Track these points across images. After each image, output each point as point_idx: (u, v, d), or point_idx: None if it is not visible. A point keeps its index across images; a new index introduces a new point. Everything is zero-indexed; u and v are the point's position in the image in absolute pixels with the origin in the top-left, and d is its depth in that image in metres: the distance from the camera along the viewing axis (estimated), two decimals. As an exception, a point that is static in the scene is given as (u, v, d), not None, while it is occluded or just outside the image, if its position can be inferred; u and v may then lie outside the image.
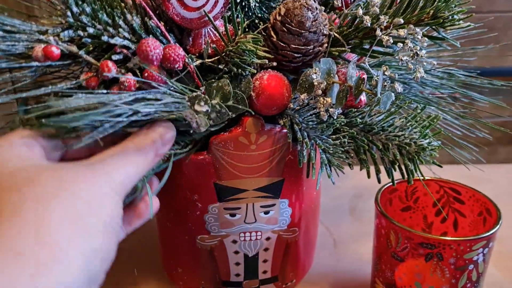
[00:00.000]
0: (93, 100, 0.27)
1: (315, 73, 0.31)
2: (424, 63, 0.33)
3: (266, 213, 0.37)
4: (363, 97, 0.34)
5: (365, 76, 0.34)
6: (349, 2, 0.38)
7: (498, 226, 0.33)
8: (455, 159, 0.45)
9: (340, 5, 0.34)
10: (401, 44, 0.32)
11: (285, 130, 0.34)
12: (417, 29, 0.31)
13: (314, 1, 0.33)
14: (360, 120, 0.35)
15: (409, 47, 0.31)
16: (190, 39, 0.34)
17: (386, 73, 0.31)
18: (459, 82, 0.46)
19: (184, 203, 0.37)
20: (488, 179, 0.61)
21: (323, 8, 0.33)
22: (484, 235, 0.32)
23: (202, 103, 0.30)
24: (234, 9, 0.34)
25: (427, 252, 0.33)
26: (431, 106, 0.44)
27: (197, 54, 0.34)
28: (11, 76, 0.31)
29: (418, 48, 0.31)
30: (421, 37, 0.31)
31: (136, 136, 0.28)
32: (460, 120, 0.46)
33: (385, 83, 0.33)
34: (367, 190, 0.63)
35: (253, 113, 0.33)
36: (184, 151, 0.33)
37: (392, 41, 0.31)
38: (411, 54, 0.31)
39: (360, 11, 0.32)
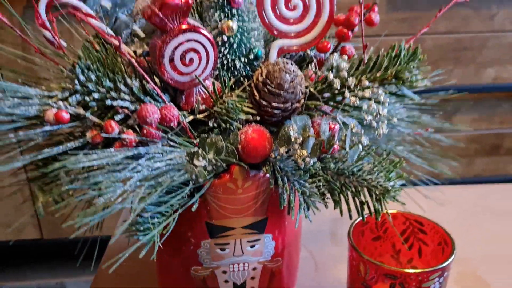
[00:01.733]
0: (113, 157, 0.32)
1: (292, 129, 0.36)
2: (389, 118, 0.38)
3: (252, 246, 0.42)
4: (335, 145, 0.38)
5: (337, 127, 0.38)
6: (323, 59, 0.43)
7: (451, 259, 0.38)
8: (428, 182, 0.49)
9: (313, 69, 0.39)
10: (366, 105, 0.36)
11: (267, 175, 0.39)
12: (380, 91, 0.36)
13: (292, 64, 0.38)
14: (334, 166, 0.40)
15: (373, 107, 0.36)
16: (183, 97, 0.38)
17: (353, 130, 0.36)
18: (424, 124, 0.50)
19: (180, 239, 0.41)
20: (451, 200, 0.66)
21: (300, 73, 0.38)
22: (439, 267, 0.37)
23: (200, 159, 0.35)
24: (221, 70, 0.38)
25: (391, 282, 0.37)
26: (400, 146, 0.49)
27: (189, 110, 0.38)
28: (24, 136, 0.35)
29: (381, 108, 0.36)
30: (383, 98, 0.36)
31: None
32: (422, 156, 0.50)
33: (353, 138, 0.37)
34: (346, 215, 0.68)
35: (239, 162, 0.38)
36: (187, 201, 0.37)
37: (358, 102, 0.36)
38: (374, 114, 0.36)
39: (331, 75, 0.37)
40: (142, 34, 0.42)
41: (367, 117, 0.36)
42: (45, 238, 1.28)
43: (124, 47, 0.40)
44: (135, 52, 0.42)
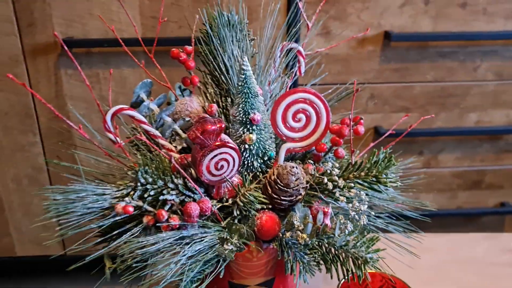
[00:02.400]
0: (165, 241, 0.44)
1: (296, 219, 0.49)
2: (369, 212, 0.50)
3: (263, 299, 0.54)
4: (329, 226, 0.51)
5: (329, 211, 0.51)
6: (321, 156, 0.55)
7: None
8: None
9: (311, 171, 0.51)
10: (350, 204, 0.49)
11: (276, 247, 0.52)
12: (362, 192, 0.49)
13: (297, 167, 0.50)
14: (327, 241, 0.52)
15: (356, 205, 0.48)
16: (214, 190, 0.51)
17: (341, 221, 0.48)
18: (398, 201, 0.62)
19: (207, 292, 0.54)
20: (429, 248, 0.78)
21: (303, 173, 0.50)
22: None
23: (229, 244, 0.48)
24: (242, 169, 0.51)
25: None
26: (379, 219, 0.61)
27: (218, 199, 0.51)
28: (99, 223, 0.48)
29: (361, 206, 0.48)
30: (364, 197, 0.49)
31: None
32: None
33: (341, 226, 0.50)
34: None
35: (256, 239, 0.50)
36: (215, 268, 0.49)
37: (345, 200, 0.49)
38: (357, 209, 0.48)
39: (325, 179, 0.49)
40: (182, 134, 0.55)
41: (351, 212, 0.49)
42: (68, 254, 1.41)
43: (166, 144, 0.53)
44: (176, 147, 0.55)
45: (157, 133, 0.54)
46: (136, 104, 0.56)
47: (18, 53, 1.11)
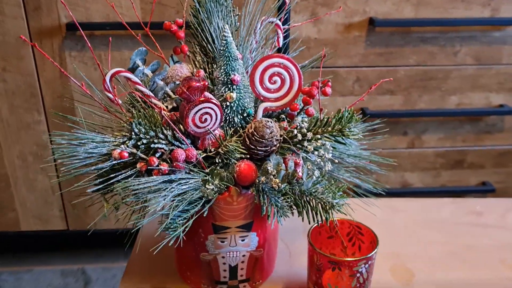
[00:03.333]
0: (155, 182, 0.52)
1: (270, 166, 0.56)
2: (333, 160, 0.58)
3: (243, 240, 0.62)
4: (300, 174, 0.58)
5: (301, 162, 0.58)
6: (294, 115, 0.62)
7: (373, 252, 0.58)
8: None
9: (286, 125, 0.58)
10: (317, 152, 0.56)
11: (253, 193, 0.59)
12: (327, 142, 0.56)
13: (271, 121, 0.57)
14: (298, 188, 0.59)
15: (321, 153, 0.55)
16: (199, 141, 0.58)
17: (309, 167, 0.56)
18: (365, 158, 0.68)
19: (194, 234, 0.61)
20: (402, 209, 0.85)
21: (277, 127, 0.57)
22: (363, 257, 0.57)
23: (210, 184, 0.55)
24: (225, 124, 0.58)
25: (332, 266, 0.57)
26: (347, 173, 0.68)
27: (203, 150, 0.58)
28: (98, 167, 0.55)
29: (326, 154, 0.55)
30: (328, 146, 0.56)
31: None
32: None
33: (309, 172, 0.57)
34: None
35: (235, 185, 0.58)
36: (201, 209, 0.57)
37: (313, 149, 0.56)
38: (322, 157, 0.56)
39: (295, 131, 0.56)
40: (172, 95, 0.62)
41: (317, 159, 0.56)
42: (71, 229, 1.48)
43: (158, 104, 0.60)
44: (167, 106, 0.62)
45: (150, 93, 0.61)
46: (132, 70, 0.63)
47: (25, 35, 1.18)
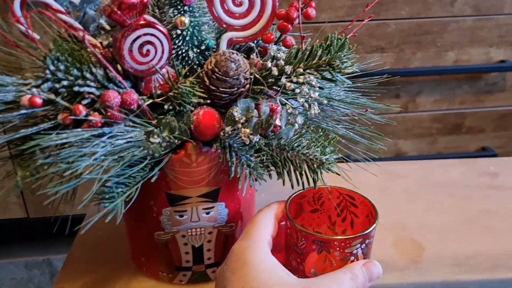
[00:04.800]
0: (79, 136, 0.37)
1: (236, 111, 0.42)
2: (321, 100, 0.44)
3: (207, 213, 0.48)
4: (277, 123, 0.44)
5: (279, 108, 0.44)
6: (268, 48, 0.48)
7: (372, 228, 0.44)
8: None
9: (255, 58, 0.44)
10: (299, 90, 0.42)
11: (218, 151, 0.45)
12: (312, 77, 0.42)
13: (237, 54, 0.43)
14: (276, 142, 0.46)
15: (305, 91, 0.42)
16: (143, 83, 0.44)
17: (288, 111, 0.42)
18: (362, 105, 0.55)
19: (144, 207, 0.47)
20: (402, 174, 0.72)
21: (245, 61, 0.43)
22: (359, 234, 0.43)
23: (156, 136, 0.41)
24: (176, 61, 0.44)
25: (318, 247, 0.43)
26: (340, 125, 0.54)
27: (148, 95, 0.44)
28: (3, 118, 0.40)
29: (311, 92, 0.42)
30: (314, 83, 0.42)
31: (353, 269, 0.42)
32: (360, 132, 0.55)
33: (289, 118, 0.43)
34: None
35: (193, 140, 0.44)
36: (148, 174, 0.43)
37: (293, 87, 0.42)
38: (307, 97, 0.42)
39: (269, 64, 0.42)
40: (107, 27, 0.47)
41: (299, 99, 0.42)
42: (31, 217, 1.33)
43: (89, 39, 0.46)
44: (101, 43, 0.47)
45: (78, 25, 0.46)
46: (55, -2, 0.48)
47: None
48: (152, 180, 0.42)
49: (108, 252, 0.58)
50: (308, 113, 0.43)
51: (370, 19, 0.63)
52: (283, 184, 0.46)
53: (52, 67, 0.40)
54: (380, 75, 0.60)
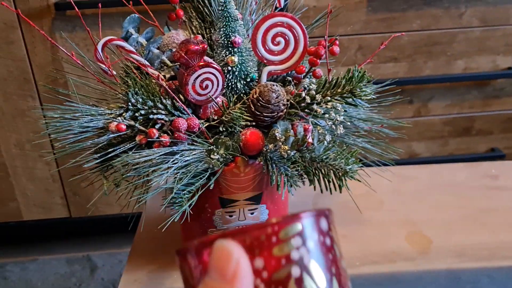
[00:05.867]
0: (156, 154, 0.48)
1: (277, 132, 0.52)
2: (345, 122, 0.54)
3: (252, 213, 0.59)
4: (310, 140, 0.55)
5: (310, 128, 0.55)
6: (301, 78, 0.59)
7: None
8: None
9: (292, 89, 0.55)
10: (327, 114, 0.52)
11: (261, 163, 0.56)
12: (337, 103, 0.52)
13: (277, 85, 0.54)
14: (308, 155, 0.56)
15: (332, 115, 0.52)
16: (201, 110, 0.55)
17: (320, 131, 0.52)
18: (377, 121, 0.65)
19: (200, 209, 0.58)
20: (413, 176, 0.82)
21: (283, 91, 0.54)
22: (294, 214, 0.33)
23: (215, 154, 0.51)
24: (227, 91, 0.55)
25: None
26: (359, 138, 0.64)
27: (205, 119, 0.55)
28: (94, 142, 0.51)
29: (337, 116, 0.52)
30: (340, 108, 0.52)
31: None
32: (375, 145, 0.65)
33: (320, 136, 0.54)
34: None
35: (242, 155, 0.54)
36: (206, 182, 0.53)
37: (322, 112, 0.52)
38: (334, 120, 0.52)
39: (303, 94, 0.53)
40: (169, 63, 0.58)
41: (328, 122, 0.52)
42: (73, 216, 1.46)
43: (154, 73, 0.57)
44: (164, 76, 0.58)
45: (146, 62, 0.57)
46: (125, 39, 0.59)
47: (13, 18, 1.14)
48: (210, 188, 0.53)
49: (165, 247, 0.69)
50: (335, 132, 0.53)
51: (384, 31, 0.72)
52: (314, 189, 0.56)
53: (133, 100, 0.51)
54: (394, 83, 0.69)
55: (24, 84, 1.22)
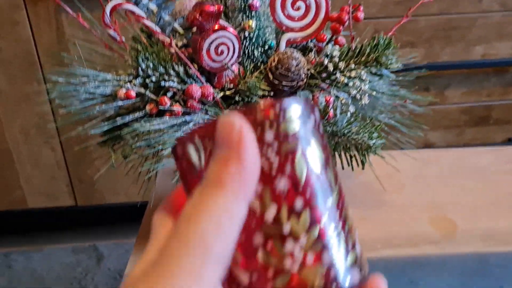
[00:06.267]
0: (168, 123, 0.45)
1: (297, 102, 0.49)
2: (370, 92, 0.50)
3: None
4: (330, 113, 0.51)
5: (332, 99, 0.51)
6: (321, 47, 0.55)
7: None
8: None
9: (313, 58, 0.51)
10: (352, 83, 0.49)
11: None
12: (362, 72, 0.49)
13: (297, 53, 0.50)
14: (329, 129, 0.52)
15: (357, 84, 0.48)
16: (216, 78, 0.51)
17: (342, 101, 0.49)
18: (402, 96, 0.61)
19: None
20: (435, 161, 0.78)
21: (303, 59, 0.50)
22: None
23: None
24: (244, 59, 0.51)
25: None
26: (383, 114, 0.61)
27: (220, 88, 0.51)
28: (102, 109, 0.48)
29: (363, 85, 0.48)
30: (365, 77, 0.49)
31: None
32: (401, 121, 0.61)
33: (342, 107, 0.50)
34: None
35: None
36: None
37: (346, 80, 0.49)
38: (358, 89, 0.48)
39: (326, 61, 0.49)
40: (181, 31, 0.55)
41: (352, 91, 0.49)
42: (79, 205, 1.43)
43: (167, 40, 0.53)
44: (176, 44, 0.55)
45: (157, 28, 0.54)
46: (135, 5, 0.56)
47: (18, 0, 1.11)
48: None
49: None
50: (359, 103, 0.49)
51: (401, 15, 0.69)
52: (335, 165, 0.53)
53: (143, 66, 0.48)
54: (411, 69, 0.65)
55: (29, 67, 1.19)
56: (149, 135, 0.47)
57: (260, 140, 0.22)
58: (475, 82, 1.28)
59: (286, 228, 0.23)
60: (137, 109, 0.50)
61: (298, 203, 0.23)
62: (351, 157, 0.52)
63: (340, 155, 0.52)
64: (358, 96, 0.49)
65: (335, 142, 0.52)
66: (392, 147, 0.61)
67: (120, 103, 0.48)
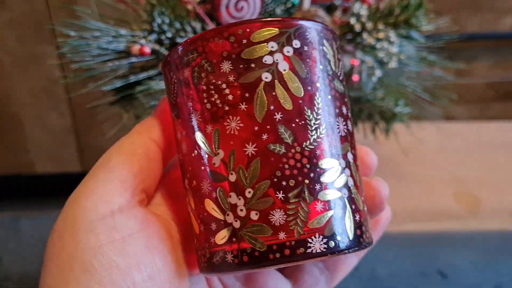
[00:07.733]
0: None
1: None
2: (398, 56, 0.47)
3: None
4: (354, 78, 0.48)
5: (357, 62, 0.48)
6: (348, 7, 0.51)
7: None
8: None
9: (339, 17, 0.48)
10: (379, 45, 0.46)
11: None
12: (391, 33, 0.45)
13: (321, 11, 0.47)
14: (352, 94, 0.49)
15: (385, 46, 0.45)
16: (234, 37, 0.48)
17: (369, 65, 0.45)
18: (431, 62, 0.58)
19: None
20: (457, 134, 0.75)
21: (328, 18, 0.47)
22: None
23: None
24: (264, 17, 0.48)
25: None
26: (409, 81, 0.57)
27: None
28: (114, 66, 0.46)
29: (391, 47, 0.45)
30: (393, 39, 0.45)
31: None
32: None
33: (369, 71, 0.47)
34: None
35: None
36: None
37: (373, 42, 0.45)
38: (386, 52, 0.45)
39: (353, 20, 0.46)
40: (199, -15, 0.51)
41: (379, 54, 0.45)
42: (88, 171, 1.42)
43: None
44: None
45: (173, -17, 0.50)
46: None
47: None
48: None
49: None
50: (386, 66, 0.46)
51: None
52: (357, 131, 0.50)
53: (158, 20, 0.45)
54: (437, 39, 0.62)
55: (39, 27, 1.16)
56: (163, 94, 0.44)
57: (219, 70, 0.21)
58: (503, 56, 1.22)
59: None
60: (150, 67, 0.48)
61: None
62: (375, 123, 0.49)
63: (363, 123, 0.50)
64: (385, 60, 0.46)
65: (359, 109, 0.49)
66: (415, 117, 0.58)
67: (133, 59, 0.45)
